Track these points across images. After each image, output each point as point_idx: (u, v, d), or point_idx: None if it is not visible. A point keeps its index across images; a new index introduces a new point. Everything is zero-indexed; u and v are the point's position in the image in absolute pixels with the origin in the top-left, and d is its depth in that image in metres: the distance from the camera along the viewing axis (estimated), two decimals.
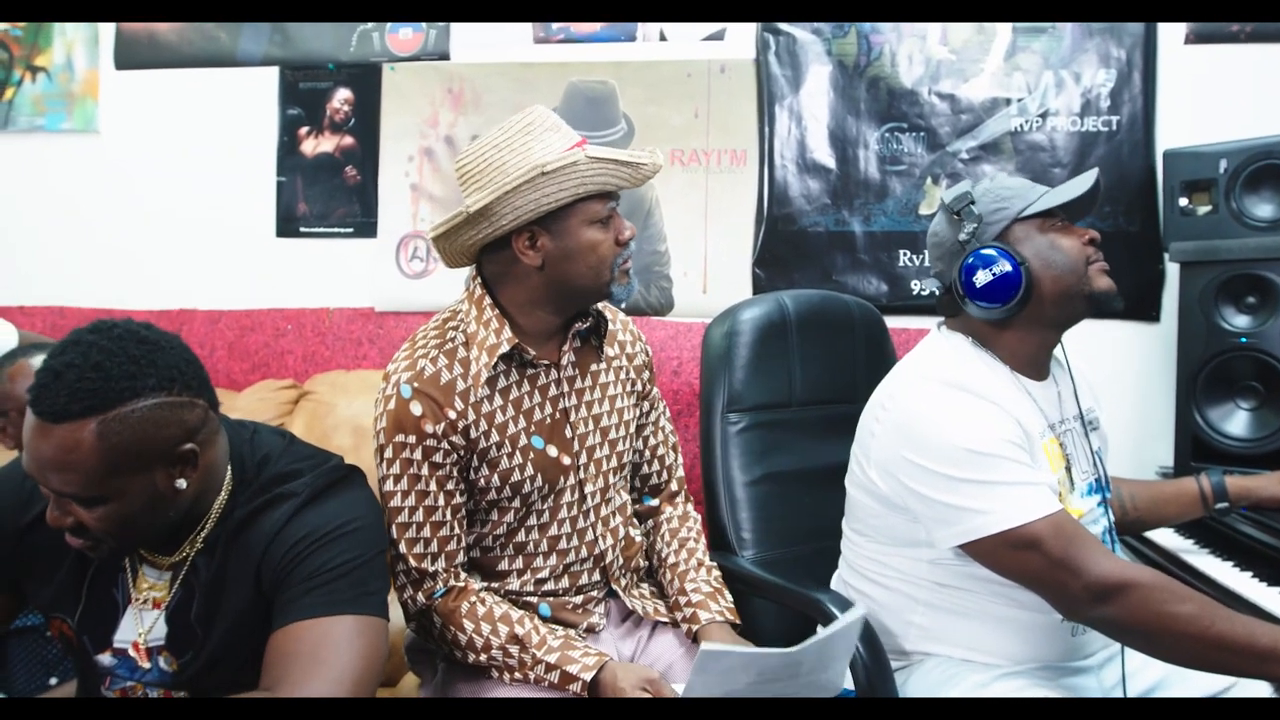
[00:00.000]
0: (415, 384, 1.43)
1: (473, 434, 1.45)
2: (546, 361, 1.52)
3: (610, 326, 1.62)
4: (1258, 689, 1.50)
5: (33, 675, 1.90)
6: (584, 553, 1.57)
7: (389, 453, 1.44)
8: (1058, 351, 1.62)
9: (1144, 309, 2.48)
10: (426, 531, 1.45)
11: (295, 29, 2.83)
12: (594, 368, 1.60)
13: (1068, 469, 1.54)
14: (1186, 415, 2.16)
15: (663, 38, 2.69)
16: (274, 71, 2.86)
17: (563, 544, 1.55)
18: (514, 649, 1.43)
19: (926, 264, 2.56)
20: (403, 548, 1.45)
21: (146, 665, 1.30)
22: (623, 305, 2.64)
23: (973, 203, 1.53)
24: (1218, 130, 2.30)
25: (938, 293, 1.61)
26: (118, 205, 2.93)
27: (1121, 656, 1.49)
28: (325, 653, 1.17)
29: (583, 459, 1.56)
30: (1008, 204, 1.52)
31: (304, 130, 2.85)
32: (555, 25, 2.72)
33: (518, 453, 1.49)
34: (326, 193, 2.85)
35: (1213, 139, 2.24)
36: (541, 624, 1.47)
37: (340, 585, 1.22)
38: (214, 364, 2.82)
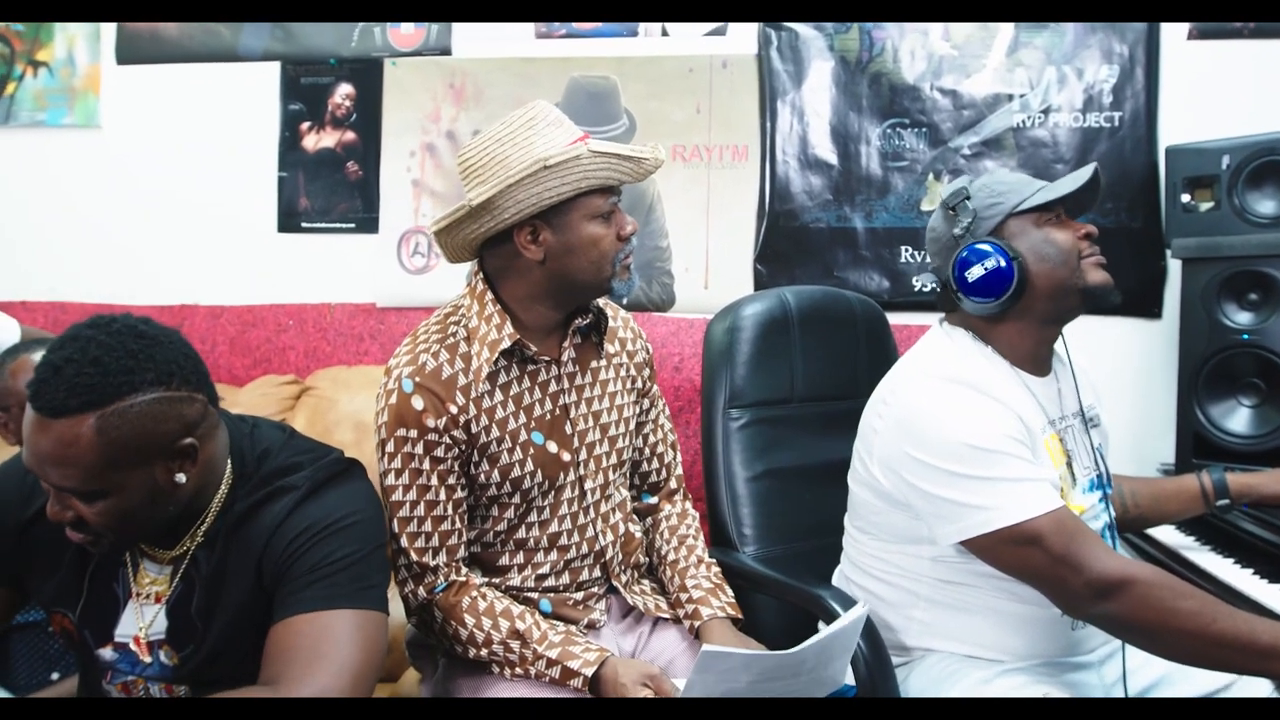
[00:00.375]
0: (417, 378, 1.43)
1: (473, 429, 1.45)
2: (547, 358, 1.52)
3: (611, 324, 1.62)
4: (1259, 686, 1.50)
5: (35, 670, 1.90)
6: (584, 549, 1.57)
7: (390, 447, 1.44)
8: (1059, 348, 1.62)
9: (1146, 305, 2.47)
10: (428, 526, 1.45)
11: (297, 24, 2.83)
12: (594, 364, 1.60)
13: (1069, 465, 1.54)
14: (1188, 412, 2.16)
15: (664, 33, 2.69)
16: (275, 66, 2.85)
17: (563, 540, 1.55)
18: (515, 644, 1.43)
19: (928, 260, 2.56)
20: (404, 542, 1.45)
21: (148, 659, 1.30)
22: (624, 301, 2.63)
23: (968, 198, 1.53)
24: (1220, 126, 2.29)
25: (936, 288, 1.60)
26: (119, 200, 2.93)
27: (1123, 653, 1.49)
28: (325, 646, 1.17)
29: (582, 455, 1.56)
30: (1003, 199, 1.52)
31: (305, 125, 2.85)
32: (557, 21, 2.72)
33: (518, 448, 1.49)
34: (328, 188, 2.85)
35: (1215, 135, 2.24)
36: (542, 619, 1.47)
37: (340, 579, 1.23)
38: (215, 359, 2.82)
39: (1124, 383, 2.46)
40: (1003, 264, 1.47)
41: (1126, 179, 2.47)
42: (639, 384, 1.67)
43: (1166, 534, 1.93)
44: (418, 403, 1.42)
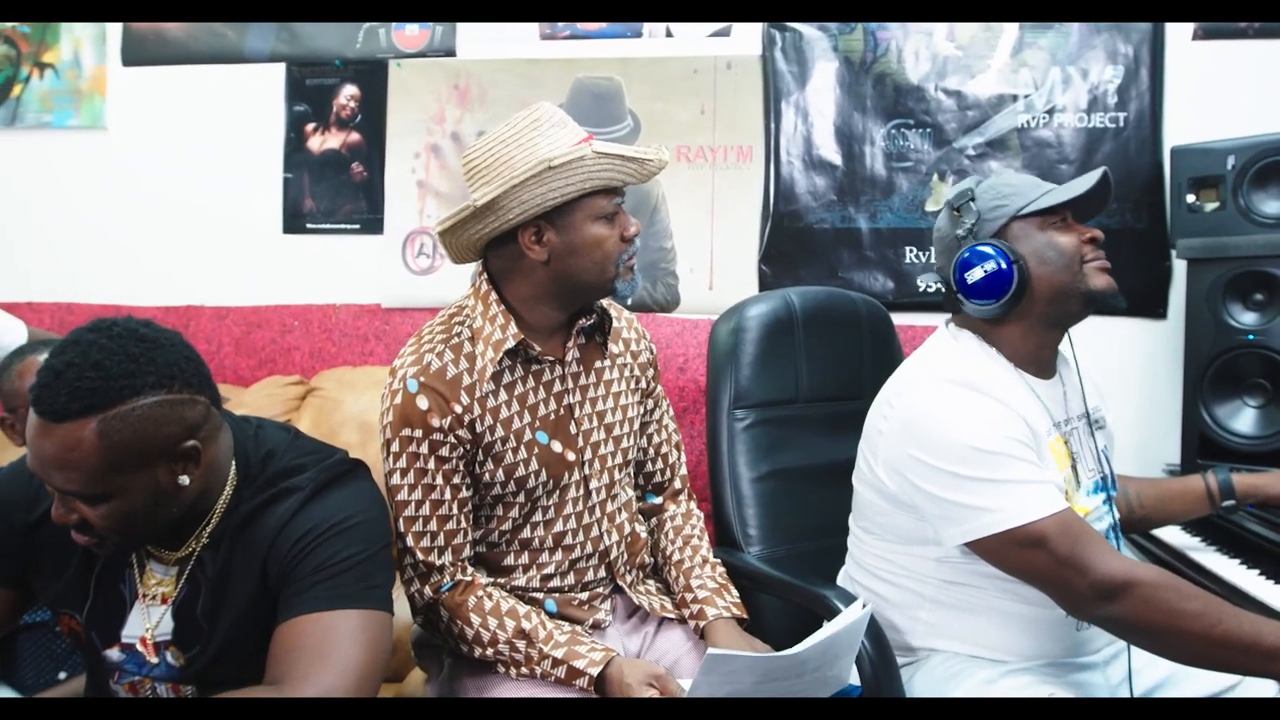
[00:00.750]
0: (421, 379, 1.44)
1: (478, 428, 1.46)
2: (551, 358, 1.53)
3: (615, 324, 1.62)
4: (1264, 687, 1.50)
5: (42, 670, 1.91)
6: (589, 548, 1.57)
7: (395, 447, 1.44)
8: (1065, 350, 1.61)
9: (1151, 306, 2.47)
10: (433, 525, 1.45)
11: (302, 25, 2.84)
12: (598, 364, 1.60)
13: (1073, 468, 1.53)
14: (1193, 412, 2.16)
15: (669, 34, 2.69)
16: (280, 68, 2.86)
17: (568, 540, 1.55)
18: (521, 644, 1.43)
19: (933, 260, 2.55)
20: (409, 541, 1.45)
21: (154, 660, 1.30)
22: (628, 301, 2.64)
23: (973, 199, 1.53)
24: (1225, 126, 2.29)
25: (941, 288, 1.60)
26: (125, 202, 2.94)
27: (1128, 653, 1.49)
28: (330, 646, 1.18)
29: (587, 455, 1.56)
30: (1008, 201, 1.52)
31: (310, 126, 2.86)
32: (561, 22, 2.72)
33: (522, 448, 1.49)
34: (333, 189, 2.85)
35: (1220, 135, 2.23)
36: (548, 619, 1.47)
37: (345, 579, 1.23)
38: (220, 360, 2.83)
39: (1129, 383, 2.46)
40: (1003, 266, 1.47)
41: (1131, 179, 2.47)
42: (643, 384, 1.67)
43: (1172, 535, 1.93)
44: (423, 403, 1.43)
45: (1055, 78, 2.51)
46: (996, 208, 1.52)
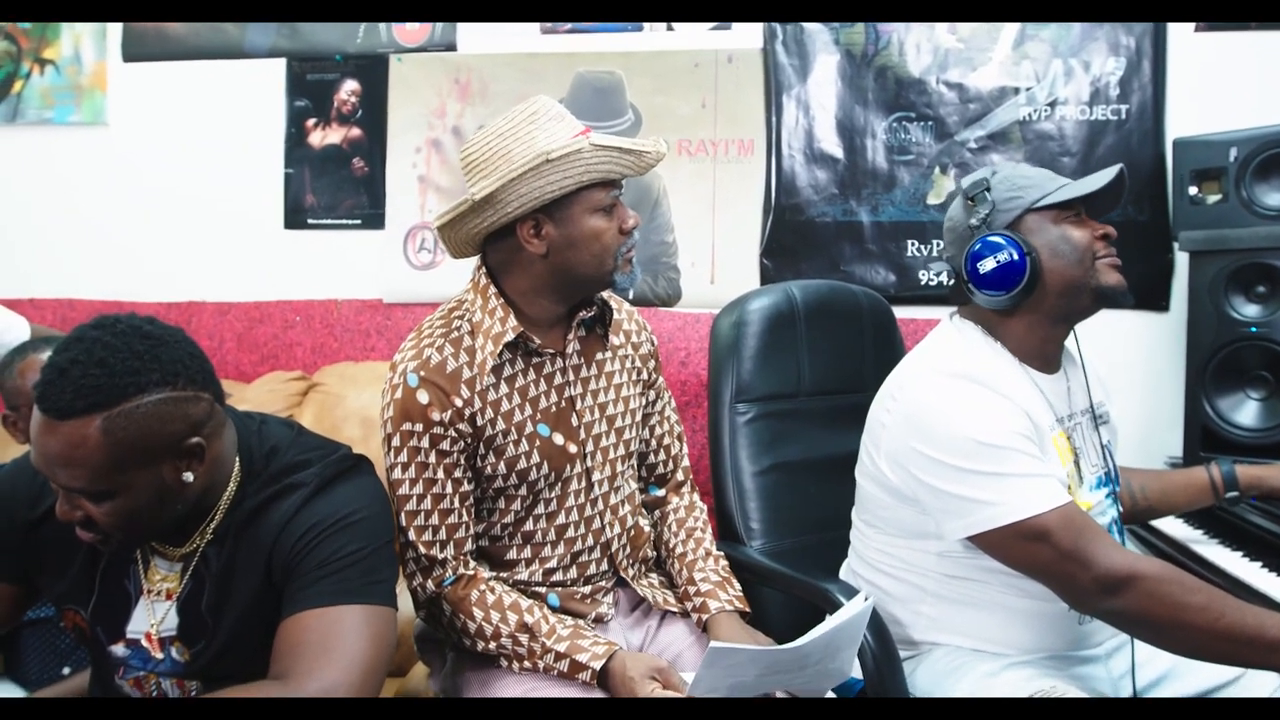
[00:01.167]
0: (422, 373, 1.44)
1: (479, 422, 1.46)
2: (552, 350, 1.53)
3: (616, 315, 1.62)
4: (1267, 680, 1.50)
5: (46, 665, 1.91)
6: (591, 541, 1.57)
7: (396, 441, 1.45)
8: (1070, 346, 1.61)
9: (1153, 298, 2.47)
10: (435, 519, 1.46)
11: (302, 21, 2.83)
12: (599, 356, 1.60)
13: (1076, 463, 1.53)
14: (1196, 405, 2.15)
15: (670, 28, 2.68)
16: (281, 63, 2.86)
17: (570, 533, 1.55)
18: (523, 637, 1.43)
19: (937, 253, 2.55)
20: (411, 535, 1.46)
21: (159, 655, 1.31)
22: (630, 295, 2.64)
23: (989, 189, 1.52)
24: (1228, 118, 2.29)
25: (949, 280, 1.60)
26: (127, 197, 2.94)
27: (1131, 646, 1.49)
28: (334, 641, 1.18)
29: (589, 447, 1.56)
30: (1023, 193, 1.51)
31: (311, 122, 2.86)
32: None
33: (524, 440, 1.49)
34: (334, 184, 2.85)
35: (1223, 127, 2.23)
36: (551, 613, 1.48)
37: (349, 574, 1.23)
38: (222, 356, 2.83)
39: (1131, 376, 2.46)
40: (1015, 257, 1.46)
41: (1134, 172, 2.45)
42: (644, 375, 1.68)
43: (1175, 527, 1.93)
44: (423, 397, 1.43)
45: (1057, 70, 2.51)
46: (1011, 199, 1.51)
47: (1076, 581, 1.35)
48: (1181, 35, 2.45)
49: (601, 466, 1.58)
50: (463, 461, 1.47)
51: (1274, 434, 2.05)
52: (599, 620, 1.57)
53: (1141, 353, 2.48)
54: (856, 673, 1.46)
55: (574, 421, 1.55)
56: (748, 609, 1.59)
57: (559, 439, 1.53)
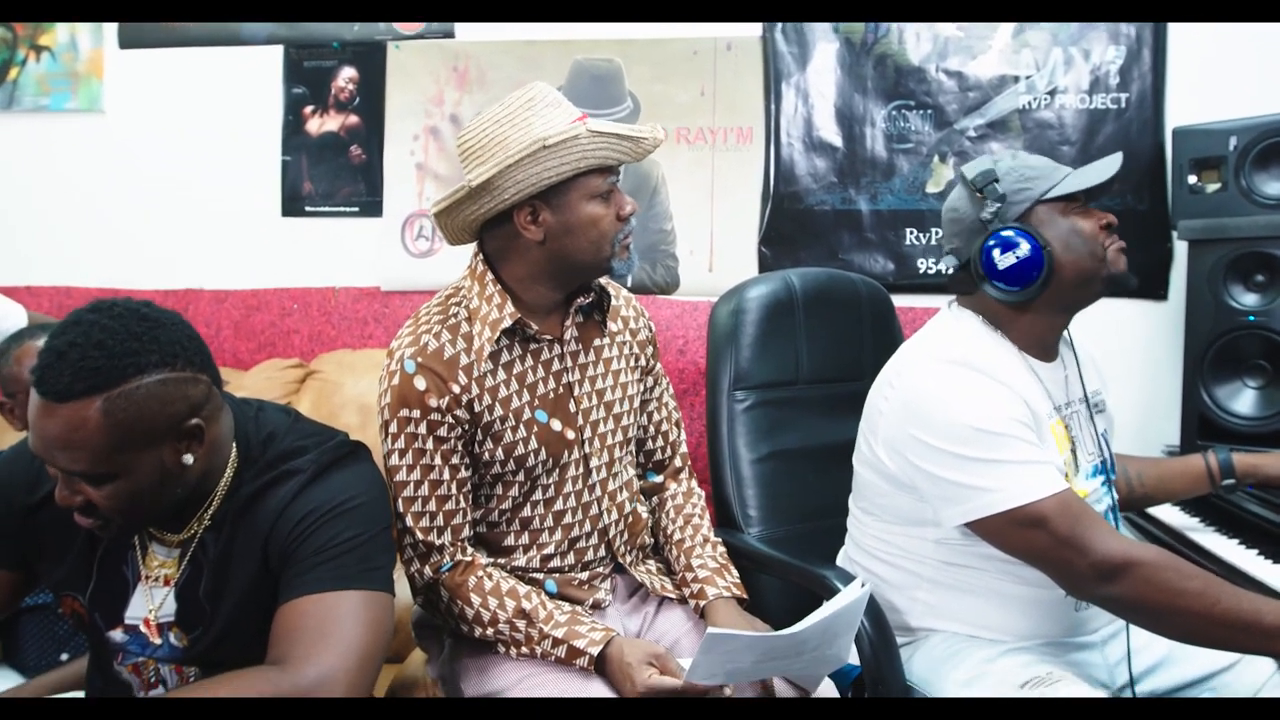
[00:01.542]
0: (419, 359, 1.44)
1: (476, 408, 1.46)
2: (549, 336, 1.53)
3: (614, 302, 1.62)
4: (1262, 666, 1.50)
5: (44, 652, 1.91)
6: (588, 527, 1.57)
7: (394, 427, 1.45)
8: (1066, 334, 1.61)
9: (1152, 287, 2.47)
10: (432, 505, 1.46)
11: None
12: (597, 342, 1.60)
13: (1073, 451, 1.53)
14: (1194, 394, 2.16)
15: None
16: (278, 50, 2.85)
17: (568, 519, 1.55)
18: (521, 623, 1.44)
19: (937, 241, 2.55)
20: (409, 521, 1.46)
21: (158, 641, 1.31)
22: (627, 282, 2.64)
23: (996, 180, 1.51)
24: (1227, 107, 2.28)
25: (951, 270, 1.58)
26: (123, 185, 2.93)
27: (1126, 632, 1.50)
28: (331, 627, 1.18)
29: (587, 433, 1.56)
30: (1032, 185, 1.50)
31: (309, 109, 2.85)
32: None
33: (521, 426, 1.49)
34: (332, 172, 2.84)
35: (1222, 116, 2.23)
36: (548, 599, 1.48)
37: (346, 560, 1.23)
38: (220, 343, 2.83)
39: (1130, 364, 2.46)
40: (1033, 253, 1.46)
41: (1133, 160, 2.45)
42: (643, 361, 1.68)
43: (1171, 515, 1.93)
44: (420, 383, 1.43)
45: (1057, 58, 2.50)
46: (1021, 191, 1.50)
47: (1073, 568, 1.35)
48: (1181, 24, 2.44)
49: (599, 453, 1.58)
50: (460, 448, 1.47)
51: (1271, 422, 2.06)
52: (596, 606, 1.58)
53: (1140, 341, 2.48)
54: (853, 659, 1.46)
55: (572, 408, 1.55)
56: (745, 595, 1.59)
57: (557, 425, 1.53)
